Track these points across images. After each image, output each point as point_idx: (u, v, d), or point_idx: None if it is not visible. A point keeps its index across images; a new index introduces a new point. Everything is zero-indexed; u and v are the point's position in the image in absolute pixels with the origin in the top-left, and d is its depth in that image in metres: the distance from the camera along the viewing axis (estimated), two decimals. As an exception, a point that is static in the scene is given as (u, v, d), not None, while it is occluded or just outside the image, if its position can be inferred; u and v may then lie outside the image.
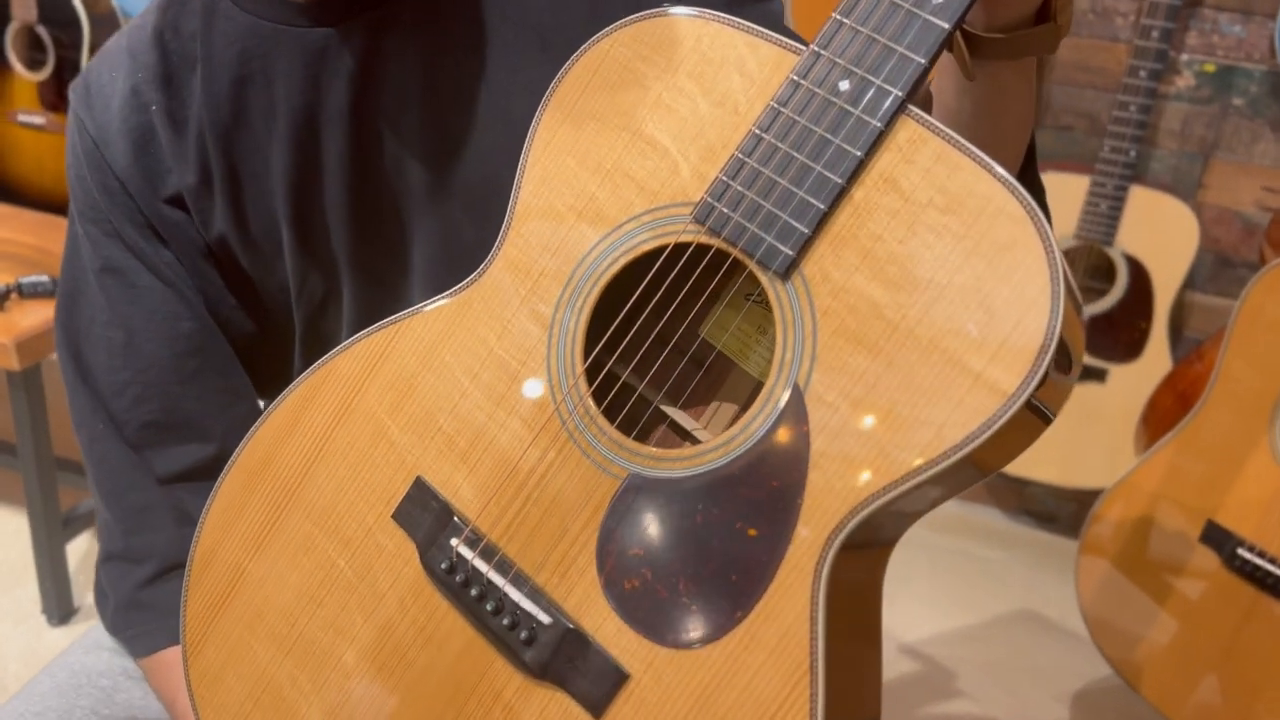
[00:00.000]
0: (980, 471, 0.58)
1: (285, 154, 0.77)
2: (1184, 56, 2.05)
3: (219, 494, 0.73)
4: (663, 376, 0.67)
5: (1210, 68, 2.05)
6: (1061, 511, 2.34)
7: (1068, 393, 0.58)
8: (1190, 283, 2.11)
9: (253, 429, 0.72)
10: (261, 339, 0.87)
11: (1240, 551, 1.30)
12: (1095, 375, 2.04)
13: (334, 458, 0.69)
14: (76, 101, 0.82)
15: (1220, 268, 2.13)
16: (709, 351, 0.68)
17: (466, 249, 0.73)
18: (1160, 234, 1.97)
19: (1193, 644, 1.35)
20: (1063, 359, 0.54)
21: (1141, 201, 1.97)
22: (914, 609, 2.01)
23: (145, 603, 0.84)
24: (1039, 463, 2.11)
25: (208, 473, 0.84)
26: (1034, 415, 0.54)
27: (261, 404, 0.90)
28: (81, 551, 1.99)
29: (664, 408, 0.67)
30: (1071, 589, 2.05)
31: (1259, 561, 1.28)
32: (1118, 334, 2.02)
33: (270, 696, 0.69)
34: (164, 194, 0.81)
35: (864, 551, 0.57)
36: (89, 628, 0.91)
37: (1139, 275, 2.00)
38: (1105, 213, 1.98)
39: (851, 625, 0.58)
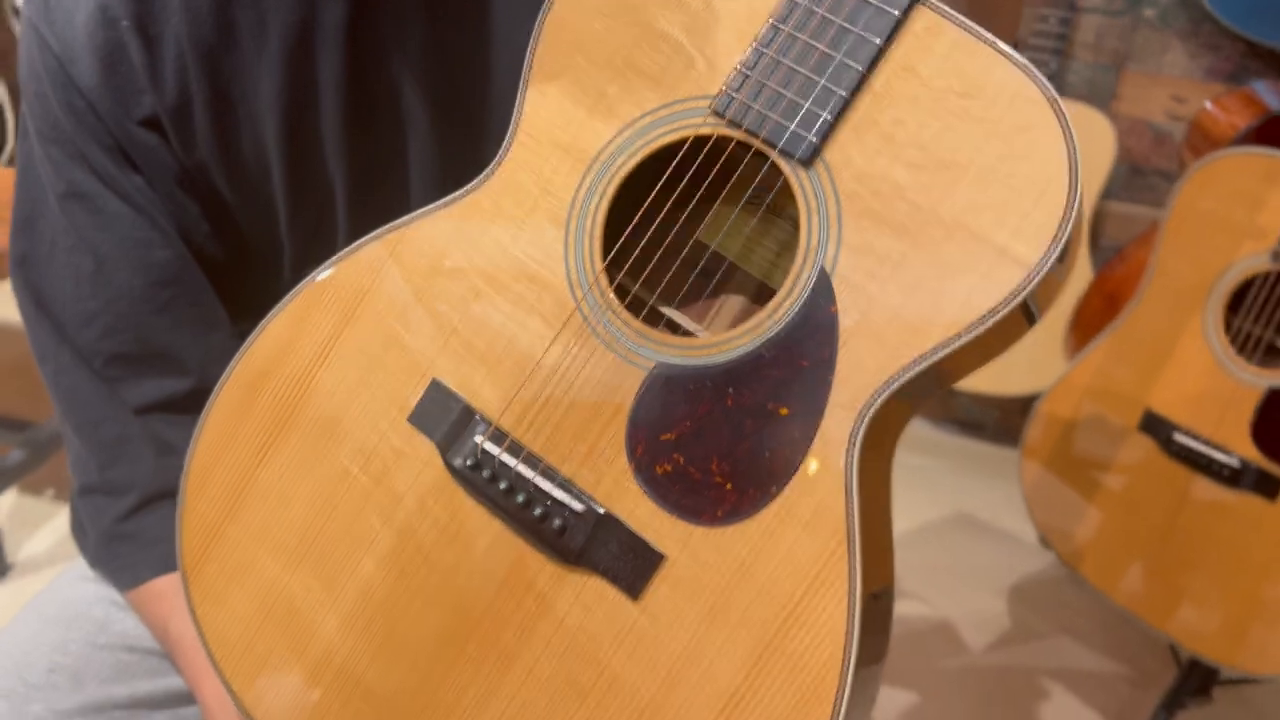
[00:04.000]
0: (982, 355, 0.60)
1: (276, 75, 0.75)
2: (1098, -31, 2.10)
3: (213, 410, 0.71)
4: (662, 277, 0.68)
5: (1122, -20, 2.11)
6: (986, 419, 2.43)
7: (1061, 286, 0.60)
8: (1106, 192, 2.19)
9: (247, 343, 0.71)
10: (236, 267, 0.85)
11: (1176, 436, 1.37)
12: (1019, 284, 2.10)
13: (340, 366, 0.68)
14: (34, 12, 0.78)
15: (1133, 176, 2.21)
16: (713, 255, 0.69)
17: (467, 171, 0.72)
18: (1081, 145, 2.03)
19: (1133, 526, 1.42)
20: (1065, 250, 0.56)
21: (1061, 113, 2.02)
22: (852, 517, 2.07)
23: (128, 534, 0.82)
24: (966, 372, 2.18)
25: (184, 405, 0.82)
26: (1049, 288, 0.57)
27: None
28: (9, 506, 1.94)
29: (663, 309, 0.69)
30: (1000, 491, 2.14)
31: (1194, 445, 1.36)
32: (1040, 243, 2.08)
33: (283, 608, 0.69)
34: (137, 116, 0.77)
35: (890, 423, 0.60)
36: (72, 563, 0.89)
37: (1060, 185, 2.06)
38: (1027, 125, 2.03)
39: (876, 494, 0.60)
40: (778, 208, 0.68)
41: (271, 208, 0.81)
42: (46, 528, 1.86)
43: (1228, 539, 1.34)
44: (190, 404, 0.81)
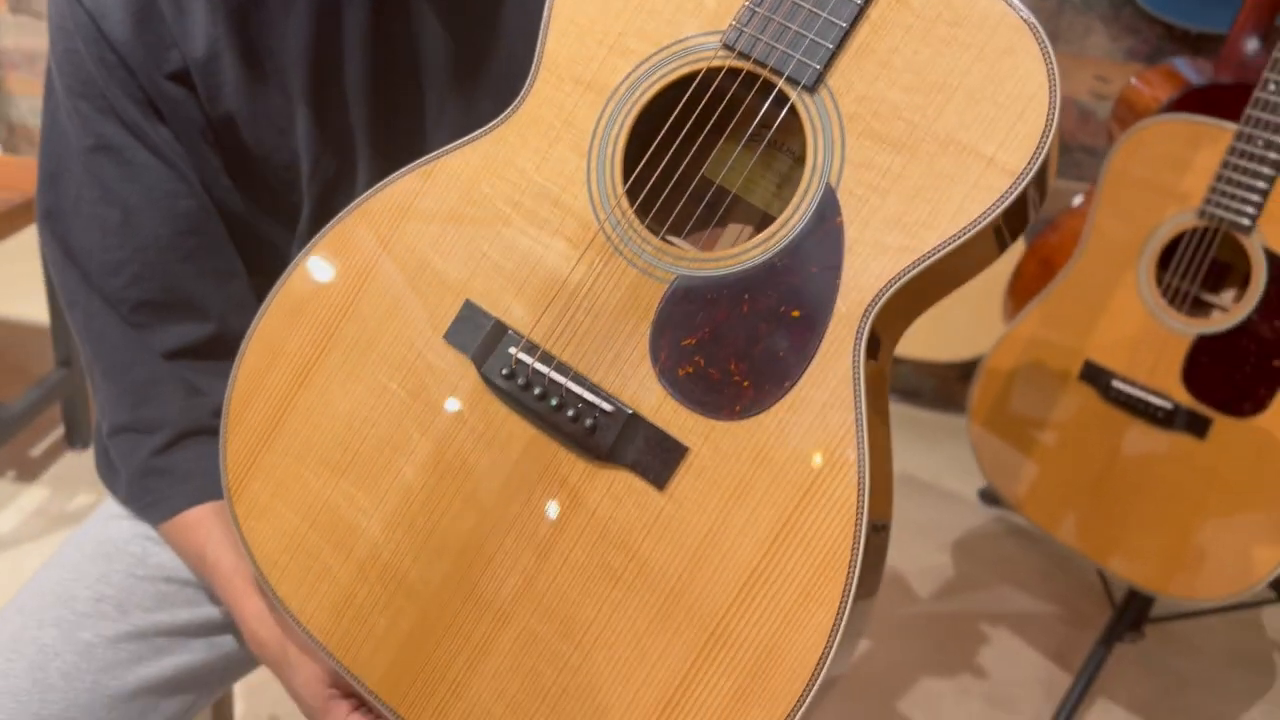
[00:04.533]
0: (970, 263, 0.67)
1: (304, 30, 0.78)
2: (1025, -45, 2.21)
3: (254, 337, 0.75)
4: (670, 211, 0.74)
5: (1047, -34, 2.21)
6: (925, 386, 2.52)
7: (1032, 216, 0.67)
8: (1035, 168, 2.29)
9: (284, 275, 0.75)
10: (253, 221, 0.88)
11: (1115, 384, 1.47)
12: (956, 256, 2.20)
13: (376, 291, 0.73)
14: None
15: (1059, 153, 2.32)
16: (718, 190, 0.75)
17: (482, 123, 0.75)
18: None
19: (1075, 469, 1.52)
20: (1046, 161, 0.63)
21: (993, 92, 2.12)
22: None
23: (161, 469, 0.85)
24: (908, 342, 2.27)
25: (207, 351, 0.86)
26: (1022, 206, 0.64)
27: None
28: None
29: (672, 240, 0.75)
30: (941, 454, 2.24)
31: (1131, 390, 1.45)
32: (976, 216, 2.18)
33: (327, 516, 0.73)
34: (166, 69, 0.80)
35: (890, 324, 0.66)
36: (103, 501, 0.93)
37: (993, 160, 2.16)
38: (961, 103, 2.13)
39: (877, 405, 0.67)
40: (779, 142, 0.75)
41: (294, 161, 0.85)
42: (11, 508, 1.87)
43: (1163, 476, 1.44)
44: (212, 350, 0.86)
